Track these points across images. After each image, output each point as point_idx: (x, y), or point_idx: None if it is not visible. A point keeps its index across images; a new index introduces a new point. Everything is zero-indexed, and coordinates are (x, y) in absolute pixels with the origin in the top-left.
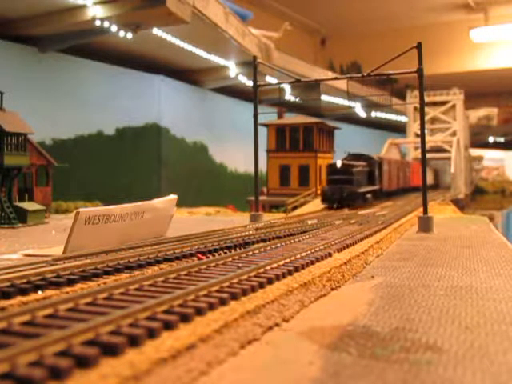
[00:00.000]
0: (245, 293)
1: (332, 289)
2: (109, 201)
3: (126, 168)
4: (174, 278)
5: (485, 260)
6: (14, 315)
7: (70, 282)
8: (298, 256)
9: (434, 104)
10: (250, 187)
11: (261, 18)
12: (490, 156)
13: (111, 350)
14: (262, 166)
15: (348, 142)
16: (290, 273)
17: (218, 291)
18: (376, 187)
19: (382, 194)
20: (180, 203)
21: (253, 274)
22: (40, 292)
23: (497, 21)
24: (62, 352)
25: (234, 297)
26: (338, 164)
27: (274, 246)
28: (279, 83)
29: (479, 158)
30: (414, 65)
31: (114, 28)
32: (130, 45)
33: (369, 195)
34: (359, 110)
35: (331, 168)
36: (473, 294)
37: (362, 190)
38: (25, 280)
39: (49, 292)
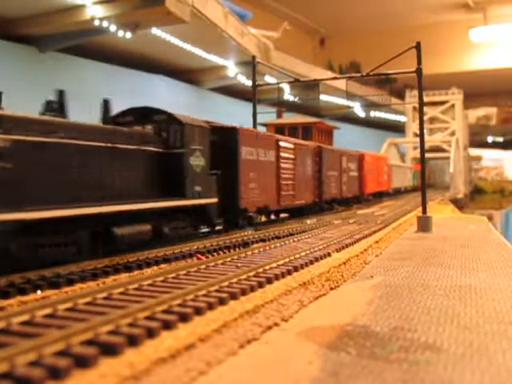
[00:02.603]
0: (244, 293)
1: (331, 288)
2: None
3: None
4: (173, 278)
5: (484, 259)
6: (13, 315)
7: (69, 282)
8: (297, 256)
9: (433, 104)
10: None
11: (260, 18)
12: (489, 156)
13: (110, 350)
14: None
15: (347, 141)
16: (289, 272)
17: (217, 291)
18: (194, 202)
19: (244, 221)
20: None
21: (252, 273)
22: (39, 292)
23: (496, 20)
24: (61, 352)
25: (234, 297)
26: None
27: (273, 246)
28: (278, 83)
29: (478, 158)
30: (413, 64)
31: (113, 27)
32: (129, 45)
33: (125, 231)
34: (358, 110)
35: None
36: (472, 294)
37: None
38: (24, 279)
39: (48, 292)
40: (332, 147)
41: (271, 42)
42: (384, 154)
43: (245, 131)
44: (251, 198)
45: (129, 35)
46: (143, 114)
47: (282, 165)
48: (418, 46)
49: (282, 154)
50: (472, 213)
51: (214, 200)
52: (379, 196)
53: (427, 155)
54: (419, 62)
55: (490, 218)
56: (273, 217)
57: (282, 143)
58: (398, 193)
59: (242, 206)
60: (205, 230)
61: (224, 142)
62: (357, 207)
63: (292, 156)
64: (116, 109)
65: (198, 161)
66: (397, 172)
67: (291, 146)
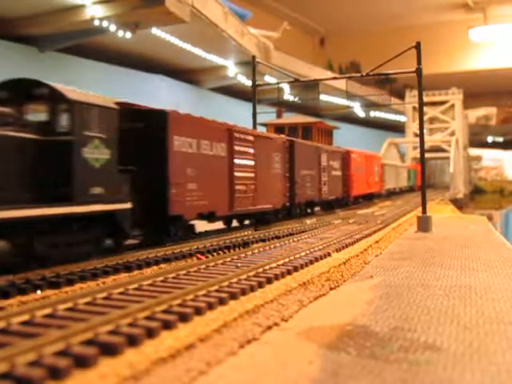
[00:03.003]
0: (244, 292)
1: (331, 288)
2: None
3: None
4: (173, 278)
5: (483, 259)
6: (13, 315)
7: (69, 282)
8: (297, 256)
9: (433, 104)
10: None
11: (260, 18)
12: (489, 156)
13: (110, 350)
14: None
15: (347, 141)
16: (289, 272)
17: (217, 291)
18: None
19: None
20: None
21: (252, 273)
22: (39, 292)
23: (495, 20)
24: (61, 352)
25: (233, 296)
26: None
27: (273, 246)
28: (278, 83)
29: (478, 158)
30: (412, 64)
31: (112, 27)
32: (129, 44)
33: None
34: (358, 110)
35: None
36: (472, 294)
37: None
38: (24, 279)
39: (48, 292)
40: (307, 142)
41: (271, 42)
42: (375, 153)
43: (179, 116)
44: (189, 202)
45: (129, 35)
46: (21, 89)
47: (237, 161)
48: (417, 46)
49: (238, 148)
50: (472, 213)
51: (126, 205)
52: (369, 198)
53: (427, 155)
54: (419, 61)
55: (490, 218)
56: (236, 223)
57: (236, 134)
58: (392, 194)
59: (174, 212)
60: (134, 241)
61: (148, 129)
62: (338, 212)
63: (252, 151)
64: None
65: (97, 153)
66: (390, 172)
67: (250, 138)
